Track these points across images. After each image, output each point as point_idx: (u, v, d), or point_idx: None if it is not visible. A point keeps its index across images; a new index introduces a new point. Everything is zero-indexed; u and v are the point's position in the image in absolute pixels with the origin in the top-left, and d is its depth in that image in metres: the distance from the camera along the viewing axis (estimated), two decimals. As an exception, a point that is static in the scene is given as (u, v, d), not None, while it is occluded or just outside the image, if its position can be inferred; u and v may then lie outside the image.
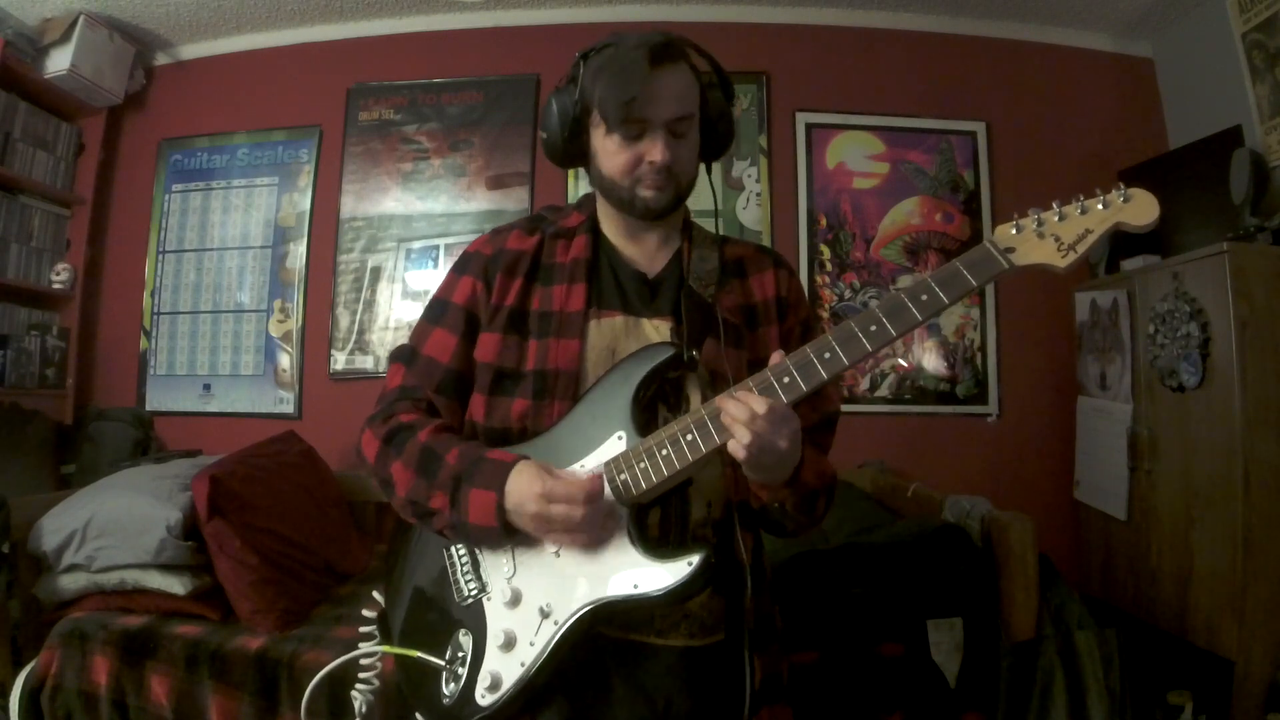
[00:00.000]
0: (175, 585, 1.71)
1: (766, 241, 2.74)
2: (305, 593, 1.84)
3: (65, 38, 2.59)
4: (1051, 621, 1.63)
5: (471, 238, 2.72)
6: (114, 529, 1.74)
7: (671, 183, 0.95)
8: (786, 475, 0.85)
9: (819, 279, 2.76)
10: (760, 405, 0.79)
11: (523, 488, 0.84)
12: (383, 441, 0.95)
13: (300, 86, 2.92)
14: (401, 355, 1.02)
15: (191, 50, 2.99)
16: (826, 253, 2.77)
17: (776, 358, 0.84)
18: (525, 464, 0.86)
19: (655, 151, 0.92)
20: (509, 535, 0.87)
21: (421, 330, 1.02)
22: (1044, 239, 0.80)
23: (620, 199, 0.96)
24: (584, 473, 0.87)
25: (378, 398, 1.02)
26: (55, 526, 1.78)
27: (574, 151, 0.98)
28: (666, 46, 0.92)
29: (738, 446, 0.79)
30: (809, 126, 2.81)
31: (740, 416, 0.79)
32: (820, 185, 2.80)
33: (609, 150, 0.94)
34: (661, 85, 0.91)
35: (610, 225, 1.03)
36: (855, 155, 2.81)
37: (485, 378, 0.96)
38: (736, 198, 2.77)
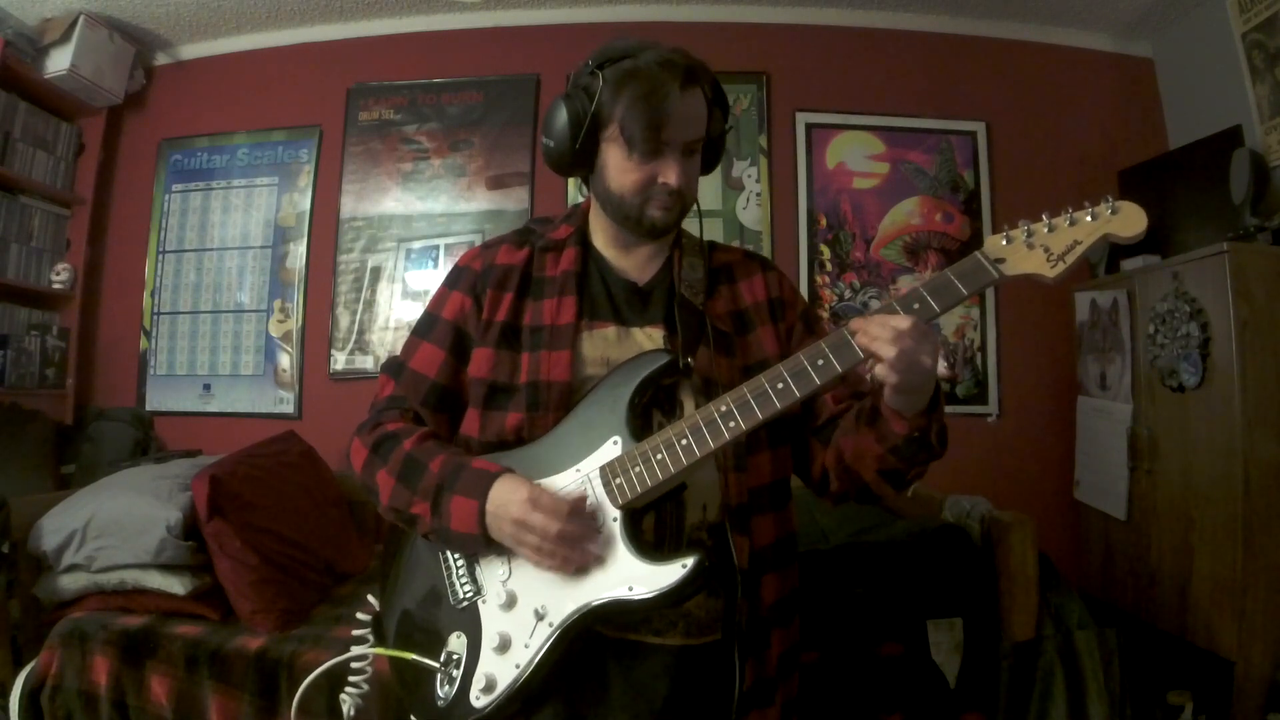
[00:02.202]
0: (175, 585, 1.71)
1: (766, 241, 2.74)
2: (305, 593, 1.84)
3: (65, 38, 2.59)
4: (1051, 621, 1.63)
5: (471, 238, 2.79)
6: (114, 529, 1.74)
7: (680, 203, 0.96)
8: (928, 398, 0.83)
9: (819, 279, 2.76)
10: (903, 322, 0.78)
11: (507, 493, 0.85)
12: (370, 450, 0.96)
13: (300, 86, 2.92)
14: (390, 368, 1.03)
15: (191, 50, 2.99)
16: (826, 253, 2.77)
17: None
18: (510, 474, 0.87)
19: (671, 175, 0.92)
20: (489, 544, 0.87)
21: (410, 344, 1.03)
22: (1033, 250, 0.81)
23: (626, 215, 0.96)
24: (571, 492, 0.87)
25: (369, 407, 1.03)
26: (55, 526, 1.78)
27: (580, 161, 0.97)
28: (691, 70, 0.92)
29: (885, 369, 0.78)
30: (809, 126, 2.81)
31: (884, 335, 0.78)
32: (820, 185, 2.80)
33: (623, 167, 0.94)
34: (686, 108, 0.91)
35: (601, 236, 1.03)
36: (855, 155, 2.81)
37: (479, 392, 0.97)
38: (736, 198, 2.77)
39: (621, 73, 0.91)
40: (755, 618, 0.94)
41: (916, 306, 0.81)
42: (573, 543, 0.84)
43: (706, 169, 1.02)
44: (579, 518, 0.84)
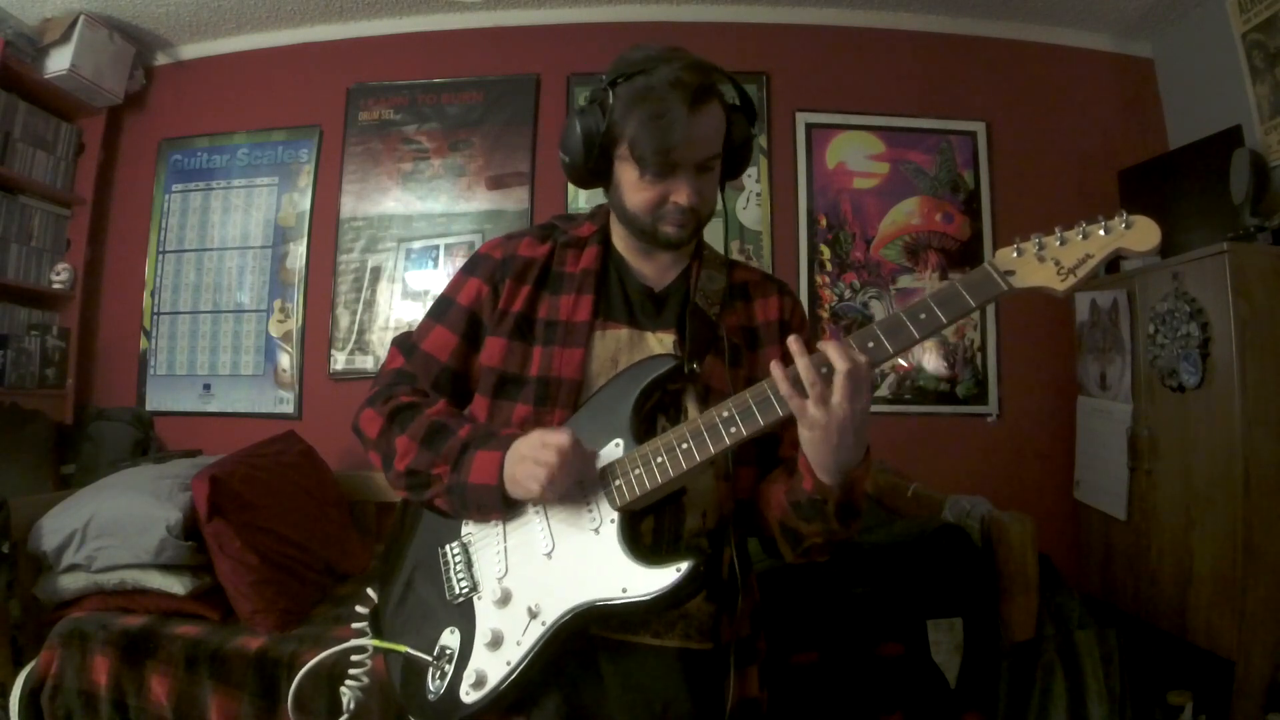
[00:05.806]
0: (175, 585, 1.71)
1: (766, 241, 2.74)
2: (305, 593, 1.84)
3: (65, 38, 2.59)
4: (1051, 621, 1.63)
5: (472, 238, 2.79)
6: (114, 529, 1.74)
7: (694, 219, 0.96)
8: (854, 457, 0.81)
9: (819, 279, 2.75)
10: (860, 355, 0.78)
11: (524, 440, 0.87)
12: (386, 418, 0.96)
13: (300, 86, 2.92)
14: (402, 344, 1.04)
15: (191, 50, 2.99)
16: (826, 253, 2.77)
17: (776, 368, 0.80)
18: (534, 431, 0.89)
19: (683, 195, 0.92)
20: (503, 498, 0.88)
21: (424, 326, 1.04)
22: (1044, 262, 0.80)
23: (642, 230, 0.97)
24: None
25: (375, 377, 1.05)
26: (55, 526, 1.78)
27: (596, 176, 0.98)
28: (703, 89, 0.90)
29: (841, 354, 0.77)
30: (809, 126, 2.81)
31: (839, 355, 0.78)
32: (820, 185, 2.79)
33: (635, 185, 0.94)
34: (697, 128, 0.90)
35: (622, 241, 1.04)
36: (855, 155, 2.81)
37: (489, 381, 0.97)
38: (736, 198, 2.77)
39: (633, 91, 0.90)
40: (740, 636, 0.94)
41: (923, 317, 0.80)
42: (579, 457, 0.85)
43: (732, 175, 1.02)
44: (579, 444, 0.86)
